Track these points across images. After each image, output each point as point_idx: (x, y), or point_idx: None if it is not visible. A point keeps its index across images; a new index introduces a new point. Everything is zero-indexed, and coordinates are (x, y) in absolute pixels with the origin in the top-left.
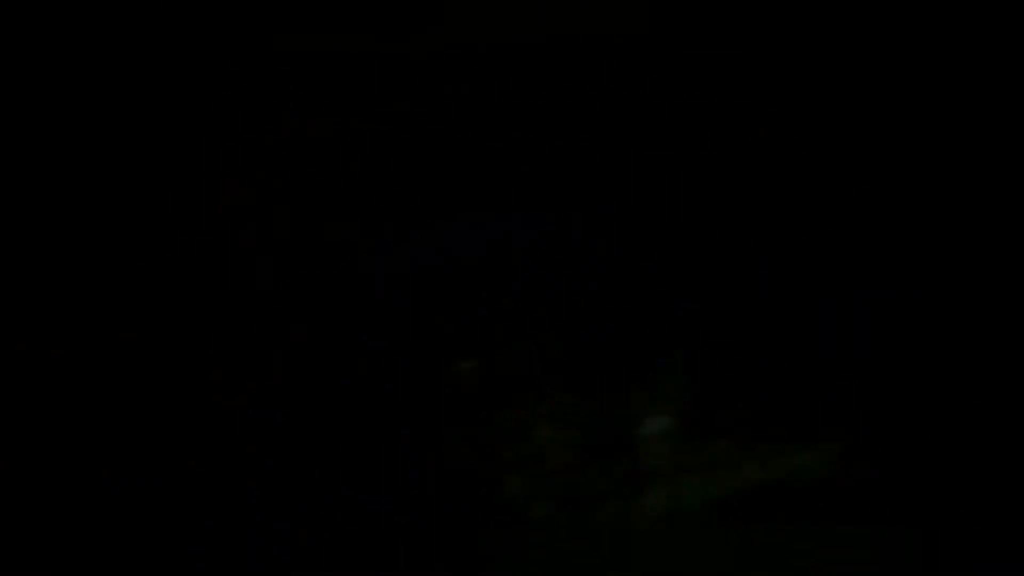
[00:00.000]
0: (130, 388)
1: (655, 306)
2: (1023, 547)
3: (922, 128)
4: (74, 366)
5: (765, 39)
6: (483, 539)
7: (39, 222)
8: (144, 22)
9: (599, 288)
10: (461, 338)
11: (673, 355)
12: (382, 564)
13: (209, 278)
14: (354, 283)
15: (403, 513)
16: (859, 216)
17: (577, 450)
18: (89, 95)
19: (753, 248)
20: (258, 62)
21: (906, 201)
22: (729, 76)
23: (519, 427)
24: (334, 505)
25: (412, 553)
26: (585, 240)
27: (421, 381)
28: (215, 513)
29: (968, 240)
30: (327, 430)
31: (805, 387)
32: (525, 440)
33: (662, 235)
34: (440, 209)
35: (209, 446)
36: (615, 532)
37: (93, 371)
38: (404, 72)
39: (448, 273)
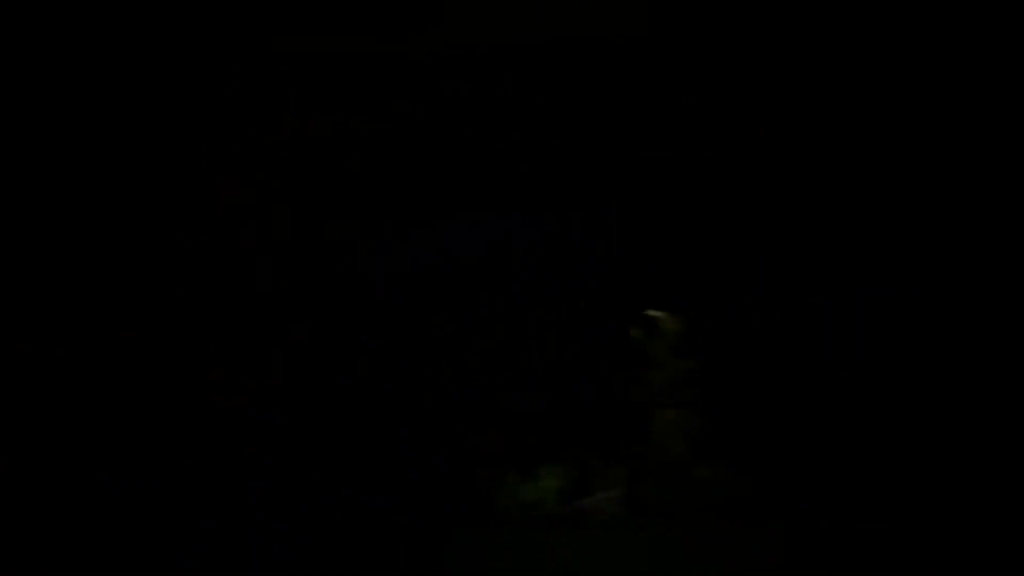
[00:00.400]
0: (130, 388)
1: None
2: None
3: (922, 128)
4: (74, 366)
5: (765, 39)
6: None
7: (39, 222)
8: (144, 22)
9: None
10: (459, 338)
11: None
12: (375, 563)
13: (209, 278)
14: (354, 283)
15: (394, 512)
16: (859, 216)
17: None
18: (89, 95)
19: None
20: (258, 62)
21: (906, 201)
22: (729, 76)
23: None
24: (333, 505)
25: (401, 551)
26: (584, 240)
27: (418, 380)
28: (215, 513)
29: (961, 240)
30: (327, 430)
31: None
32: None
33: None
34: (440, 209)
35: (209, 446)
36: None
37: (93, 371)
38: (404, 72)
39: (448, 273)
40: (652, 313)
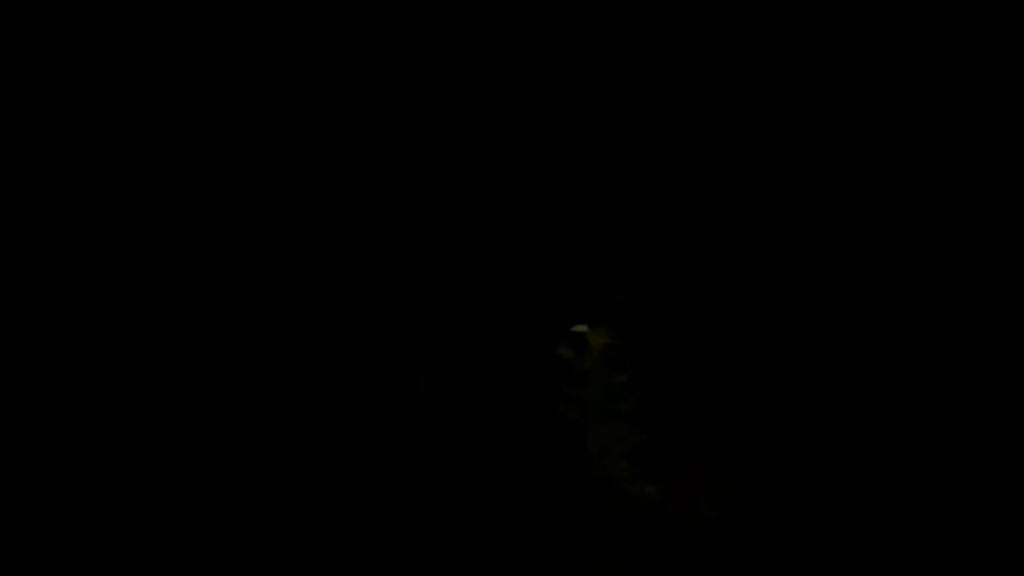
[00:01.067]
0: (130, 388)
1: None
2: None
3: (921, 127)
4: (73, 366)
5: (765, 39)
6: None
7: (39, 222)
8: (145, 21)
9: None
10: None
11: None
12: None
13: (208, 278)
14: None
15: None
16: (859, 216)
17: None
18: (90, 94)
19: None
20: (259, 61)
21: (905, 201)
22: (730, 76)
23: None
24: (334, 505)
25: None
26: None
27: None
28: (215, 513)
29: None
30: (327, 430)
31: None
32: None
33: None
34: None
35: (209, 446)
36: None
37: (93, 371)
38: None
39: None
40: (579, 328)
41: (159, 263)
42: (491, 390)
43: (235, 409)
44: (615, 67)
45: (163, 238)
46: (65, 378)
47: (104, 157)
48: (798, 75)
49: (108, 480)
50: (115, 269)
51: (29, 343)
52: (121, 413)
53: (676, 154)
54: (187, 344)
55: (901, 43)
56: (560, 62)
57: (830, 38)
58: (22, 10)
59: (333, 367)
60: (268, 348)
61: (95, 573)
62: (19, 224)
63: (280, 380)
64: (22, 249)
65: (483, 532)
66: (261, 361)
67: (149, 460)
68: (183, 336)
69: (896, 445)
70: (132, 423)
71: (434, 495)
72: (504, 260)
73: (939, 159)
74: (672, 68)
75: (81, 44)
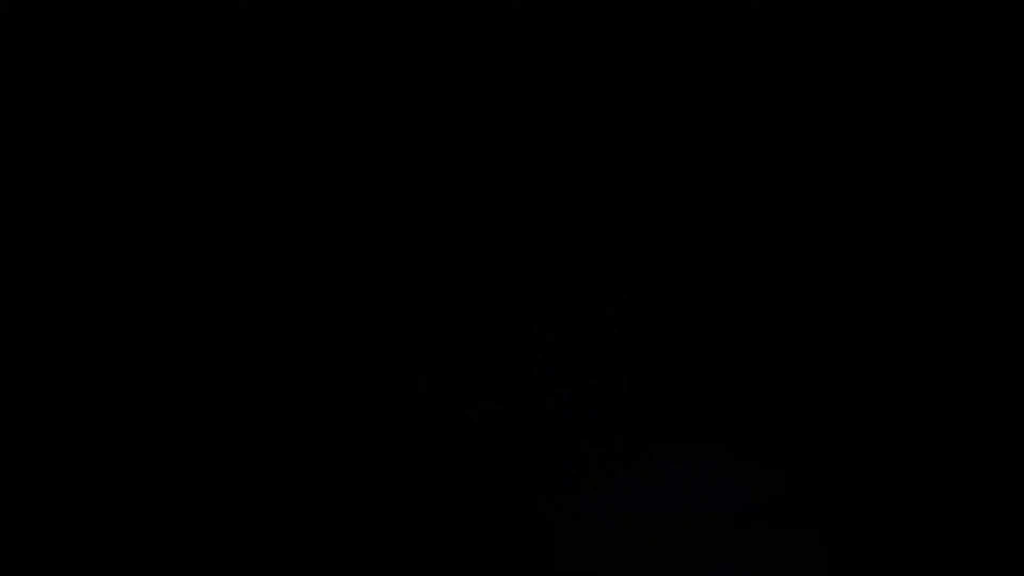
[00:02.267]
0: (130, 389)
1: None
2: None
3: (921, 126)
4: (73, 367)
5: (765, 41)
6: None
7: (39, 222)
8: (144, 19)
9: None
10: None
11: None
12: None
13: (206, 277)
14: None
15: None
16: (859, 216)
17: None
18: (90, 93)
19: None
20: (260, 61)
21: (904, 201)
22: (731, 76)
23: None
24: (334, 505)
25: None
26: None
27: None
28: (214, 513)
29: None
30: (326, 430)
31: None
32: None
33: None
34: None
35: (207, 445)
36: None
37: (92, 372)
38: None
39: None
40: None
41: (158, 262)
42: (491, 390)
43: (233, 409)
44: (615, 67)
45: (162, 237)
46: (65, 378)
47: (104, 157)
48: (798, 75)
49: (107, 480)
50: (114, 268)
51: (29, 343)
52: (118, 413)
53: (676, 154)
54: (185, 343)
55: (901, 43)
56: (560, 62)
57: (830, 38)
58: (22, 10)
59: (332, 366)
60: (267, 347)
61: (95, 573)
62: (19, 224)
63: (279, 380)
64: (22, 249)
65: (483, 532)
66: (260, 361)
67: (147, 459)
68: (181, 335)
69: (897, 446)
70: (130, 422)
71: (434, 495)
72: (504, 260)
73: (939, 159)
74: (672, 68)
75: (81, 44)
